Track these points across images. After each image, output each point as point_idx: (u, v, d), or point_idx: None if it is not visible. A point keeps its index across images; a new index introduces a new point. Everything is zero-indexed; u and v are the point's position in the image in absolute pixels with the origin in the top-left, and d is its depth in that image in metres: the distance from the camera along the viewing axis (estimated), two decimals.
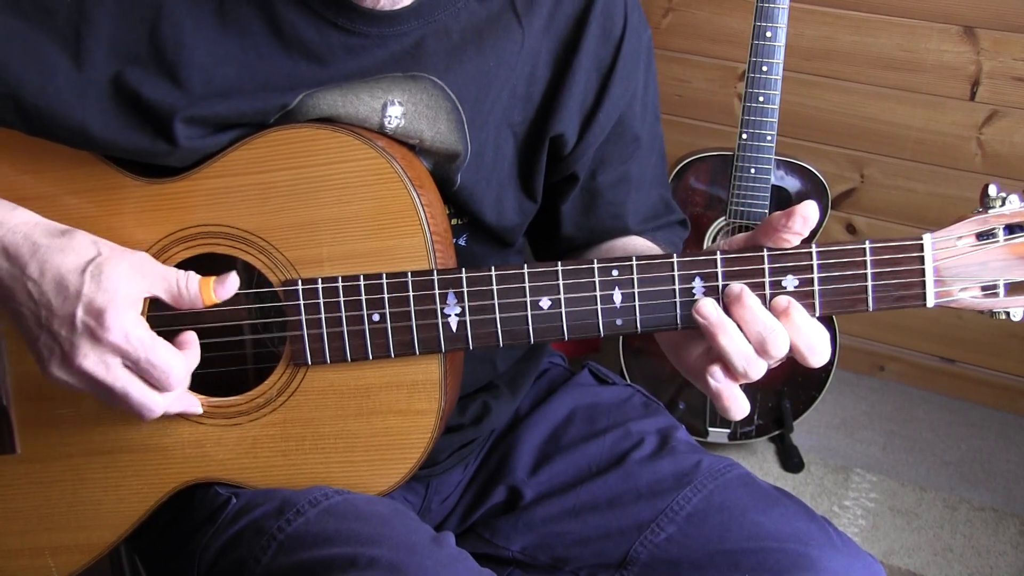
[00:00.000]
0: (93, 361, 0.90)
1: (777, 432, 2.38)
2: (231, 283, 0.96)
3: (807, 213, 0.87)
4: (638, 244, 1.20)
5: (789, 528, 1.02)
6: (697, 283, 0.91)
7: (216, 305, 0.96)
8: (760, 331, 0.88)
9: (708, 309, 0.89)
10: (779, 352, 0.88)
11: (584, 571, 1.10)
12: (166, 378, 0.91)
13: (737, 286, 0.90)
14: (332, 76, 0.98)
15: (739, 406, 0.90)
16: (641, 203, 1.20)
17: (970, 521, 2.30)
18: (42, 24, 0.93)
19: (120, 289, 0.89)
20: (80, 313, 0.89)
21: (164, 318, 0.99)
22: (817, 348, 0.89)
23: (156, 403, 0.93)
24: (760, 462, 2.45)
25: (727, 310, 0.89)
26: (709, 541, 1.04)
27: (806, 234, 0.89)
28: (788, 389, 2.32)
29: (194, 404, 0.99)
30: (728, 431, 2.35)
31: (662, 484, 1.10)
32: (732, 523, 1.04)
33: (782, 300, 0.89)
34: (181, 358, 0.92)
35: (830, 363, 2.30)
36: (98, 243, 0.93)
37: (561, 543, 1.11)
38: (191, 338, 0.96)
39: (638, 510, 1.09)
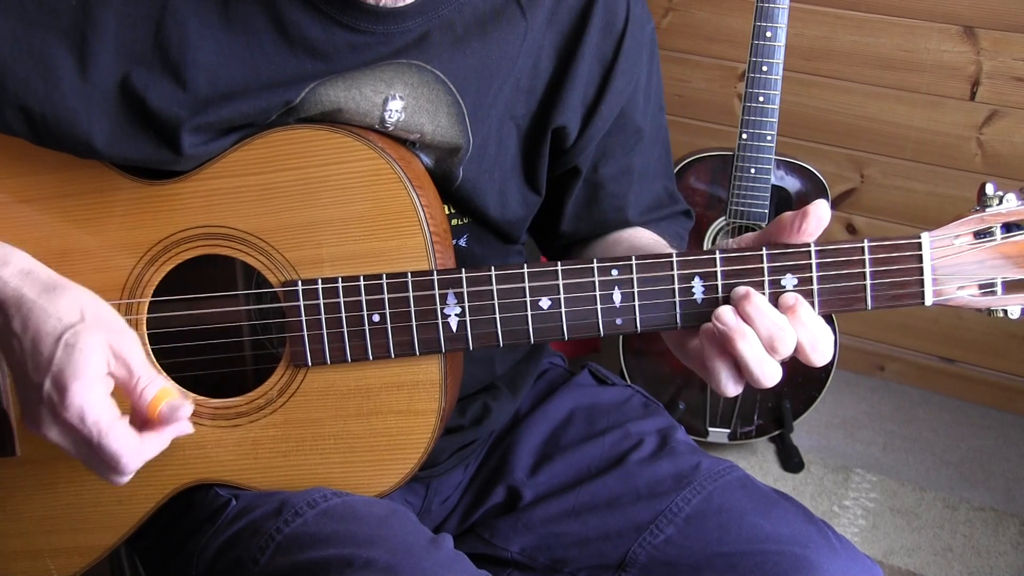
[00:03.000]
0: (56, 433, 0.88)
1: (777, 432, 2.38)
2: (182, 412, 0.89)
3: (821, 213, 0.87)
4: (642, 236, 1.20)
5: (788, 531, 1.02)
6: (696, 282, 0.91)
7: (155, 420, 0.89)
8: (769, 328, 0.87)
9: (727, 316, 0.88)
10: (787, 349, 0.87)
11: (583, 572, 1.10)
12: (115, 464, 0.88)
13: (743, 287, 0.90)
14: (336, 71, 0.98)
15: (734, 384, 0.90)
16: (644, 195, 1.20)
17: (970, 521, 2.29)
18: (47, 26, 0.92)
19: (90, 364, 0.86)
20: (47, 384, 0.86)
21: (160, 320, 0.99)
22: (820, 346, 0.88)
23: (119, 475, 0.89)
24: (760, 462, 2.45)
25: (735, 309, 0.89)
26: (708, 543, 1.03)
27: (818, 234, 0.89)
28: (788, 389, 2.32)
29: (160, 445, 0.92)
30: (728, 431, 2.35)
31: (661, 485, 1.10)
32: (731, 525, 1.04)
33: (789, 297, 0.89)
34: (136, 442, 0.88)
35: (830, 363, 2.30)
36: (84, 308, 0.89)
37: (560, 544, 1.11)
38: (182, 413, 0.90)
39: (637, 511, 1.09)
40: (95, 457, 0.88)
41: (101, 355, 0.87)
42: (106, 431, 0.86)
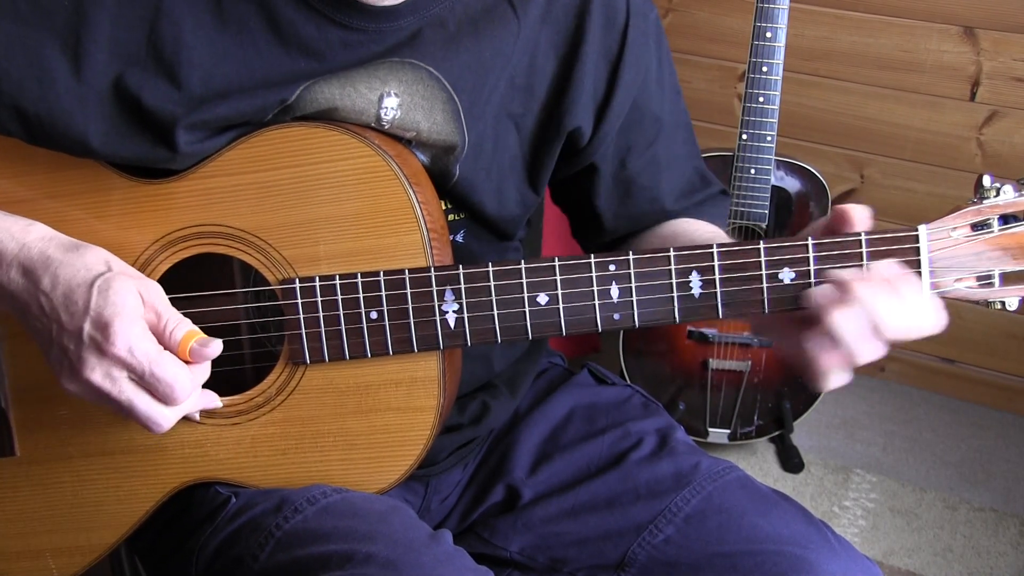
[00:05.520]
0: (100, 375, 0.89)
1: (777, 432, 2.38)
2: (212, 348, 0.93)
3: (860, 216, 0.91)
4: (685, 227, 1.20)
5: (787, 531, 1.02)
6: (694, 277, 0.92)
7: (188, 361, 0.92)
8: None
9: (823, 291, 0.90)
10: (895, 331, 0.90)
11: (582, 572, 1.09)
12: (171, 391, 0.90)
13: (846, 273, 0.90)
14: (330, 70, 0.98)
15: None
16: (675, 181, 1.20)
17: (970, 521, 2.29)
18: (40, 26, 0.92)
19: (127, 304, 0.89)
20: (87, 326, 0.89)
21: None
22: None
23: (163, 416, 0.92)
24: (760, 462, 2.45)
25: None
26: (707, 543, 1.03)
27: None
28: (788, 390, 2.32)
29: (211, 400, 0.98)
30: (728, 432, 2.35)
31: (661, 485, 1.10)
32: (731, 525, 1.04)
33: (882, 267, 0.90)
34: (186, 371, 0.91)
35: None
36: (110, 260, 0.93)
37: (559, 544, 1.11)
38: (212, 350, 0.94)
39: (637, 511, 1.09)
40: (145, 393, 0.90)
41: (135, 298, 0.90)
42: (156, 359, 0.89)
